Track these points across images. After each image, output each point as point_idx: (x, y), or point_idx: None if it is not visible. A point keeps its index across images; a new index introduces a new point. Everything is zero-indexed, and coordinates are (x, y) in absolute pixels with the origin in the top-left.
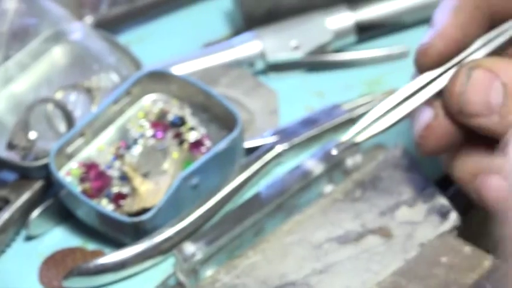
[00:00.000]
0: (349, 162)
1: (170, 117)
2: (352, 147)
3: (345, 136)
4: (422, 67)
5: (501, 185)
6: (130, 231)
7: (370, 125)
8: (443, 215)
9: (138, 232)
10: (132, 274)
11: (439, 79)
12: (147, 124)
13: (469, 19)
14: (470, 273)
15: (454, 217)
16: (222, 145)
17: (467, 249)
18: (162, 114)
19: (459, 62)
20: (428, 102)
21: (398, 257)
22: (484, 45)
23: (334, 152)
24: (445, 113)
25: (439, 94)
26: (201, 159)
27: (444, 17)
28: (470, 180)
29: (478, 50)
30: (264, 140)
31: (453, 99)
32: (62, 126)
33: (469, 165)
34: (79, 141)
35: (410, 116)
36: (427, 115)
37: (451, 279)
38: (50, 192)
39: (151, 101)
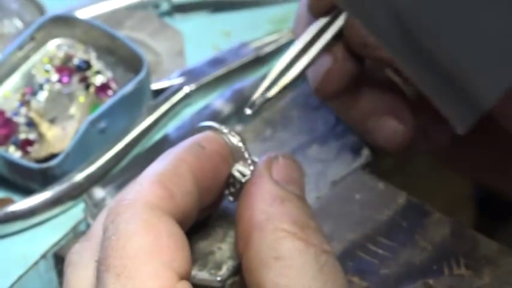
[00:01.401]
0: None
1: (75, 61)
2: (265, 103)
3: (256, 93)
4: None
5: (393, 125)
6: (38, 177)
7: (278, 77)
8: (355, 151)
9: (47, 178)
10: (42, 221)
11: (334, 22)
12: (52, 69)
13: None
14: (385, 210)
15: (366, 153)
16: (129, 87)
17: (381, 185)
18: (67, 59)
19: None
20: (326, 49)
21: (310, 196)
22: None
23: (248, 111)
24: (343, 57)
25: (336, 38)
26: (107, 103)
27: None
28: (362, 121)
29: None
30: (171, 82)
31: (356, 34)
32: None
33: (362, 107)
34: None
35: (314, 62)
36: (325, 61)
37: (365, 216)
38: None
39: (56, 46)
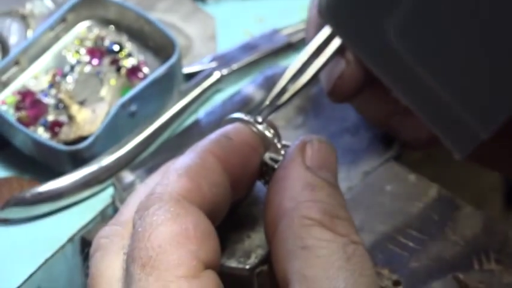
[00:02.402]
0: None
1: (107, 43)
2: (276, 110)
3: (267, 100)
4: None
5: (418, 124)
6: (67, 160)
7: (289, 83)
8: (387, 142)
9: (76, 161)
10: (70, 204)
11: None
12: (83, 51)
13: None
14: (416, 202)
15: (397, 144)
16: (160, 71)
17: (412, 177)
18: (99, 41)
19: None
20: (338, 52)
21: (341, 186)
22: None
23: (259, 119)
24: (356, 59)
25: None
26: (138, 86)
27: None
28: (385, 121)
29: None
30: (202, 66)
31: None
32: None
33: (383, 107)
34: (14, 69)
35: (324, 68)
36: (338, 64)
37: (396, 208)
38: None
39: (87, 28)
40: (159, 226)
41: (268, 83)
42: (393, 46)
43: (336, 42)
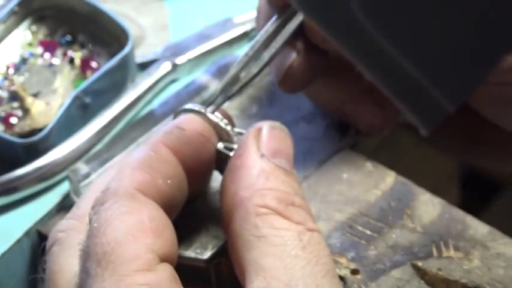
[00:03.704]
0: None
1: (59, 35)
2: (226, 101)
3: (216, 91)
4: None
5: (372, 109)
6: (22, 152)
7: (239, 73)
8: (343, 130)
9: (30, 153)
10: (25, 197)
11: (295, 16)
12: (35, 43)
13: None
14: (373, 190)
15: (353, 132)
16: (113, 62)
17: (369, 165)
18: (51, 33)
19: None
20: (288, 42)
21: (297, 174)
22: None
23: (211, 108)
24: (305, 49)
25: (296, 34)
26: (91, 77)
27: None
28: (338, 109)
29: None
30: (156, 56)
31: (315, 30)
32: None
33: (336, 95)
34: None
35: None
36: (288, 54)
37: (353, 195)
38: None
39: (39, 19)
40: (114, 220)
41: (222, 73)
42: (356, 15)
43: (286, 31)
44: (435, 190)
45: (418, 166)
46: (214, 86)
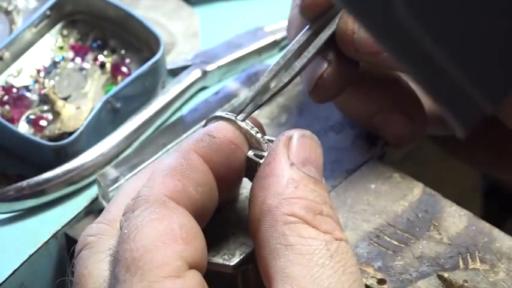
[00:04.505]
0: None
1: (90, 40)
2: (256, 109)
3: (246, 99)
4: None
5: (401, 121)
6: (51, 156)
7: (269, 83)
8: (371, 140)
9: (60, 157)
10: (54, 200)
11: (327, 26)
12: (66, 47)
13: None
14: (400, 201)
15: (382, 143)
16: (144, 68)
17: (397, 176)
18: (82, 37)
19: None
20: (320, 53)
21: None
22: None
23: (242, 116)
24: (336, 59)
25: (328, 45)
26: (122, 82)
27: None
28: (368, 120)
29: None
30: (186, 63)
31: (347, 40)
32: None
33: (366, 106)
34: None
35: (305, 68)
36: (319, 65)
37: (381, 206)
38: None
39: (71, 24)
40: (144, 227)
41: (252, 81)
42: (400, 16)
43: (318, 42)
44: (459, 202)
45: (443, 178)
46: (244, 94)
